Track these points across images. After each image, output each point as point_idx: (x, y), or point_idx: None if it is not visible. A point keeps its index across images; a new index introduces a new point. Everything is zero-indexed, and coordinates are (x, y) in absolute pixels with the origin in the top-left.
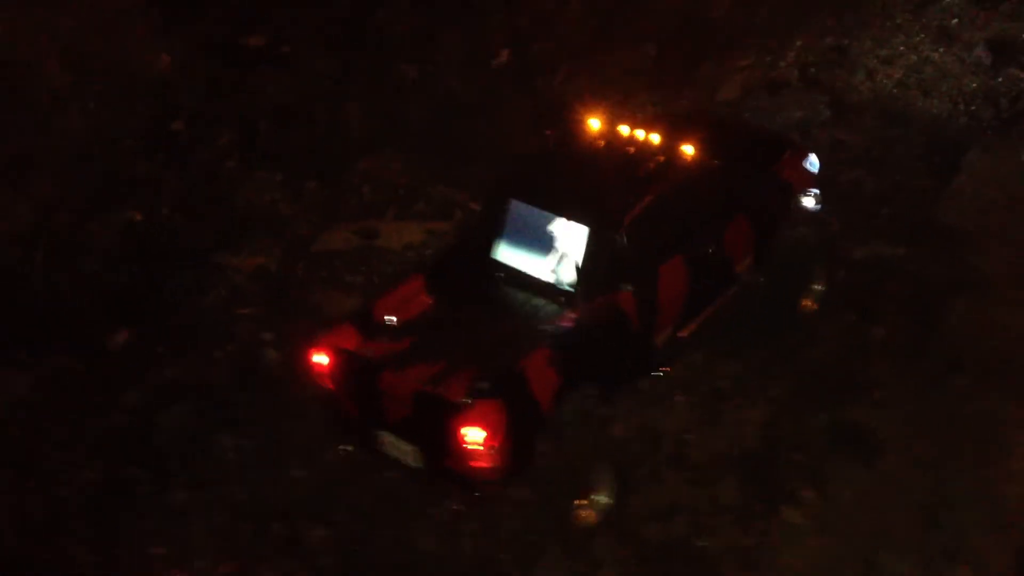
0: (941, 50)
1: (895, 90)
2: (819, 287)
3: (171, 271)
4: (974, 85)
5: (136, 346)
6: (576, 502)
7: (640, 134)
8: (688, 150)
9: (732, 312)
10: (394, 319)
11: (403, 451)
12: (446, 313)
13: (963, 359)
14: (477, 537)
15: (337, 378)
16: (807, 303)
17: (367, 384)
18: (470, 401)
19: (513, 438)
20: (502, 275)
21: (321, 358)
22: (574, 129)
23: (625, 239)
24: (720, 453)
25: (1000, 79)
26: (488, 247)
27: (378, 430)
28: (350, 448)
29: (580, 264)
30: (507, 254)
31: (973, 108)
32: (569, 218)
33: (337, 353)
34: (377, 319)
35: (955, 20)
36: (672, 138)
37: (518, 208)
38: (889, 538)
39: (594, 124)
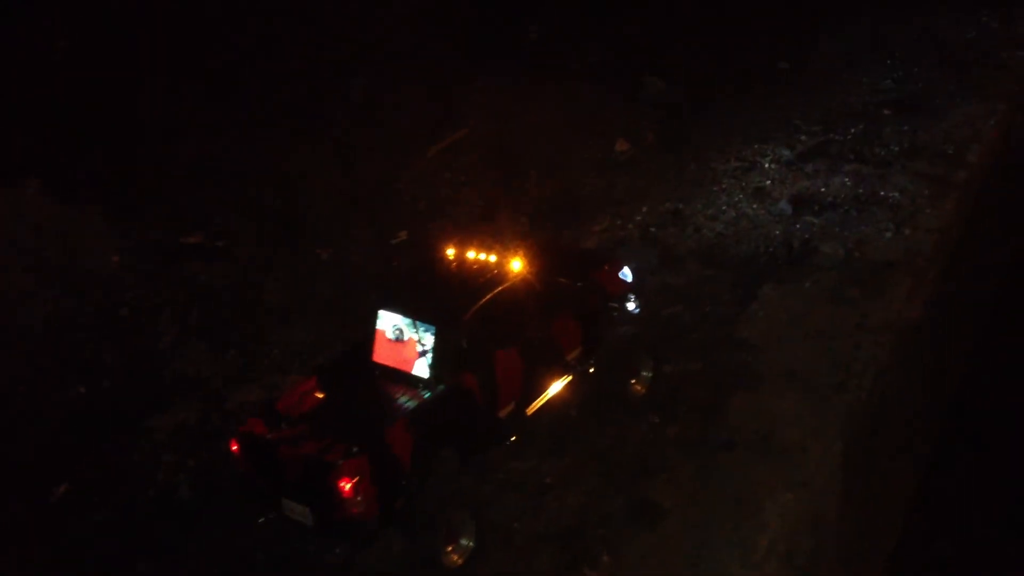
0: (755, 206)
1: (715, 240)
2: (647, 374)
3: (106, 433)
4: (777, 232)
5: (73, 496)
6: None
7: (481, 256)
8: (515, 266)
9: (570, 397)
10: None
11: (299, 512)
12: (334, 404)
13: (734, 440)
14: None
15: (246, 458)
16: (637, 387)
17: (269, 459)
18: (343, 461)
19: (379, 485)
20: (378, 371)
21: (234, 445)
22: (433, 255)
23: (463, 334)
24: (541, 533)
25: (798, 225)
26: (367, 349)
27: (280, 498)
28: (262, 520)
29: (431, 355)
30: (381, 354)
31: (771, 250)
32: (422, 320)
33: (244, 438)
34: (280, 412)
35: (768, 181)
36: (506, 258)
37: (386, 316)
38: None
39: (449, 252)
